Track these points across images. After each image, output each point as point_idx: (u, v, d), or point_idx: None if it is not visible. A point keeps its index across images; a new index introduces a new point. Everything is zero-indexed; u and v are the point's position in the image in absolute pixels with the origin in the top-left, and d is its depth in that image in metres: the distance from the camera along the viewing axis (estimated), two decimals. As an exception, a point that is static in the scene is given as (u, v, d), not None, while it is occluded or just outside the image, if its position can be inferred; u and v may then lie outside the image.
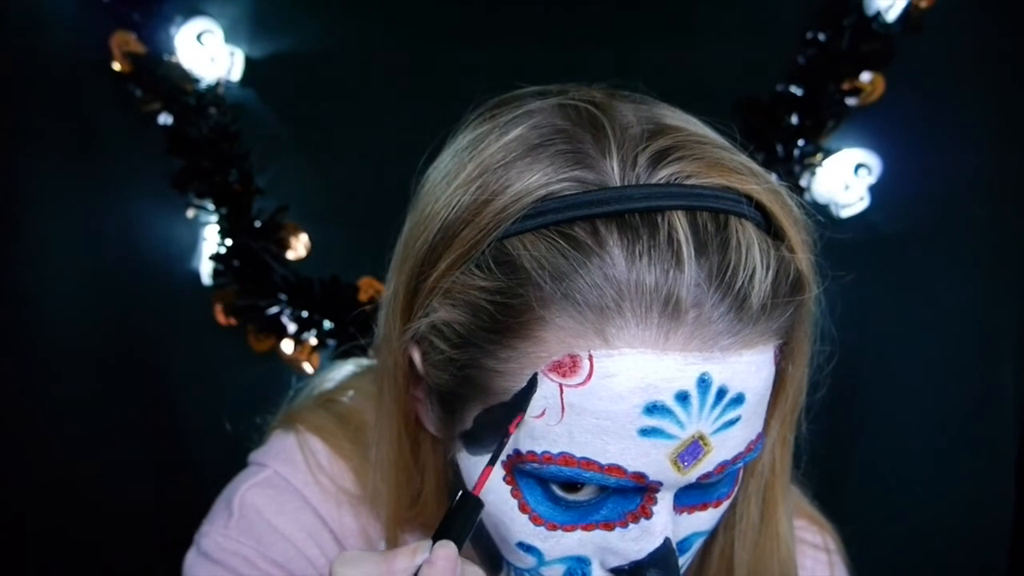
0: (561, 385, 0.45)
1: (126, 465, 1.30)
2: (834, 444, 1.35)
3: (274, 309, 1.31)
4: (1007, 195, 1.35)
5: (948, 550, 1.41)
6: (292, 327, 1.33)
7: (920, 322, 1.37)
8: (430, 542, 0.42)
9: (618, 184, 0.45)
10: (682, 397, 0.44)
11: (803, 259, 0.48)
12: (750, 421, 0.47)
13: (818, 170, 1.34)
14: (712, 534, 0.60)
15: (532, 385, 0.45)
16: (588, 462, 0.45)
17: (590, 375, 0.44)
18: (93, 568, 1.31)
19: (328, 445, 0.64)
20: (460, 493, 0.45)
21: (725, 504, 0.52)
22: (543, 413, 0.46)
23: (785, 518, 0.60)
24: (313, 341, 1.33)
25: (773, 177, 0.51)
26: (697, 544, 0.53)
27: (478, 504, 0.45)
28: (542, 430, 0.46)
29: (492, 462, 0.47)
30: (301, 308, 1.32)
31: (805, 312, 0.50)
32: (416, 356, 0.53)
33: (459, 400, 0.50)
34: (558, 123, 0.49)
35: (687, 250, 0.43)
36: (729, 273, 0.44)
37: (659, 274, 0.43)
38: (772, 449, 0.57)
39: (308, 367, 1.34)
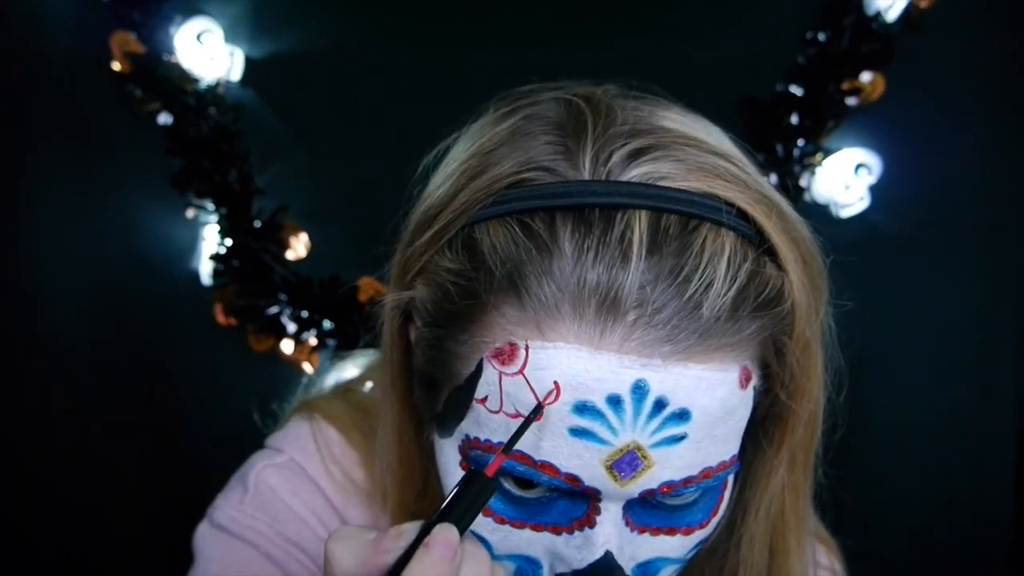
0: (500, 373, 0.44)
1: (125, 464, 1.30)
2: (832, 443, 1.35)
3: (274, 309, 1.31)
4: (1007, 195, 1.35)
5: (948, 550, 1.41)
6: (292, 327, 1.33)
7: (920, 322, 1.37)
8: (418, 524, 0.39)
9: (587, 179, 0.44)
10: (614, 401, 0.42)
11: (794, 280, 0.45)
12: (703, 444, 0.44)
13: (818, 170, 1.34)
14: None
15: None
16: (523, 455, 0.45)
17: (524, 365, 0.43)
18: (92, 569, 1.31)
19: (342, 435, 0.64)
20: (468, 471, 0.44)
21: (699, 533, 0.50)
22: (486, 399, 0.45)
23: (799, 570, 0.57)
24: (313, 341, 1.33)
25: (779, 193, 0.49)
26: (667, 571, 0.50)
27: (488, 484, 0.42)
28: (486, 417, 0.46)
29: (506, 450, 0.44)
30: (301, 308, 1.32)
31: (797, 342, 0.47)
32: (413, 336, 0.53)
33: (432, 382, 0.51)
34: (550, 115, 0.49)
35: (636, 250, 0.41)
36: (681, 279, 0.41)
37: (602, 271, 0.41)
38: (781, 493, 0.55)
39: (308, 367, 1.33)
